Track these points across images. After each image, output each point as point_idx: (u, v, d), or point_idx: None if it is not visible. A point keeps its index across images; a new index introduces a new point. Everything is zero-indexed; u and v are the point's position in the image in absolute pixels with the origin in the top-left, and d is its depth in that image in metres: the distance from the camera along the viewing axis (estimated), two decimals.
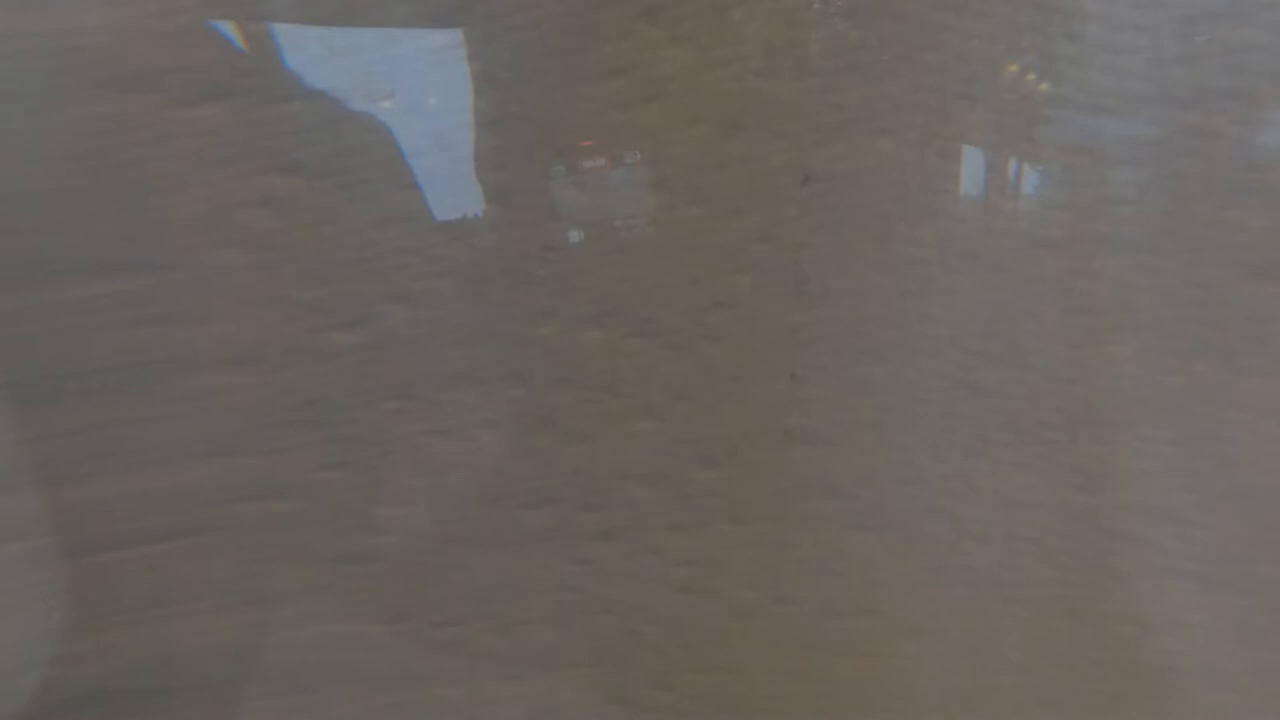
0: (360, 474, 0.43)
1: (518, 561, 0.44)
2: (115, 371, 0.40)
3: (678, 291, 0.42)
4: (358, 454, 0.42)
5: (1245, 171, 0.40)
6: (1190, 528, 0.44)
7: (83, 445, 0.41)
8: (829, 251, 0.42)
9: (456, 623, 0.45)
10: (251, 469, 0.42)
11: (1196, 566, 0.44)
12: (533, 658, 0.45)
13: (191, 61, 0.38)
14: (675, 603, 0.45)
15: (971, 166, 0.41)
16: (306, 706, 0.45)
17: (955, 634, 0.46)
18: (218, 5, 0.38)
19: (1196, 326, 0.42)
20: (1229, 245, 0.41)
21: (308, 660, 0.44)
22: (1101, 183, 0.41)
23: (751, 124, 0.41)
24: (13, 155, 0.38)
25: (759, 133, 0.41)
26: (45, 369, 0.40)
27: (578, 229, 0.41)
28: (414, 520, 0.44)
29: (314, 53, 0.39)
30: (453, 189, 0.41)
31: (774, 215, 0.42)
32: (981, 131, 0.41)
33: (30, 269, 0.39)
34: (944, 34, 0.41)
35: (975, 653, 0.46)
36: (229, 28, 0.38)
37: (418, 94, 0.40)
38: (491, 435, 0.43)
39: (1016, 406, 0.43)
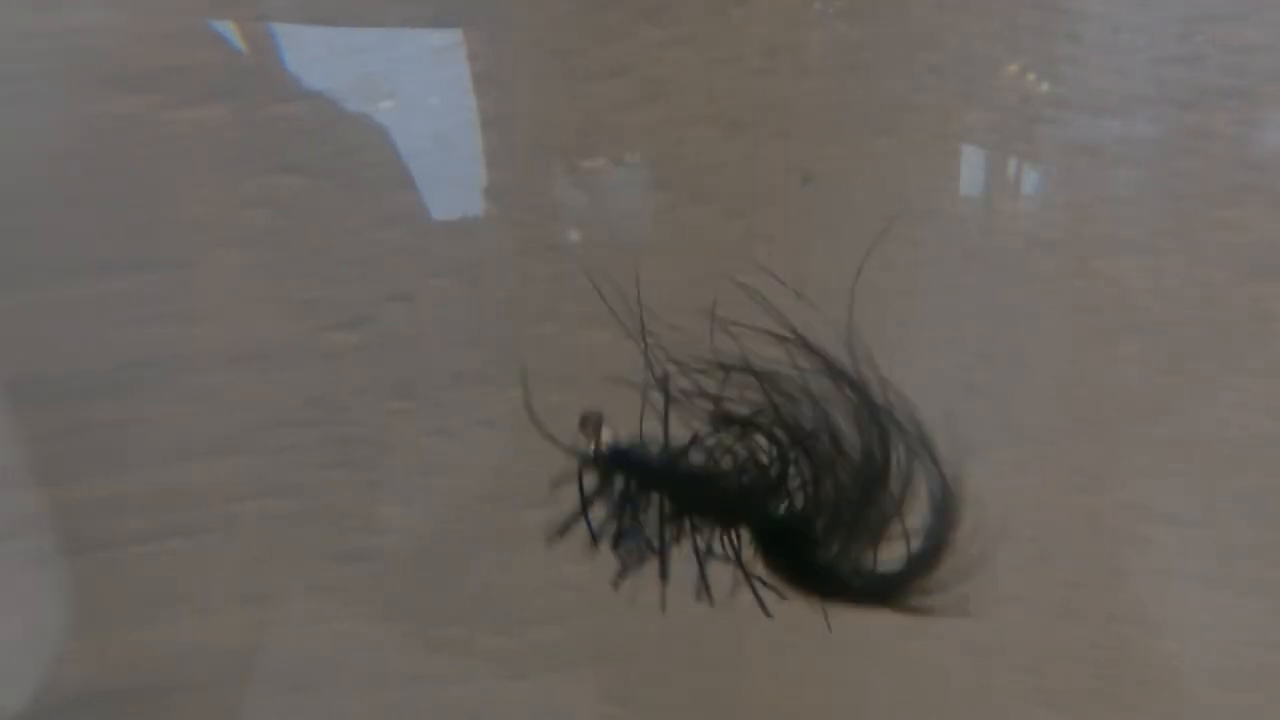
0: (361, 473, 0.43)
1: (518, 561, 0.44)
2: (115, 371, 0.40)
3: (678, 291, 0.42)
4: (358, 453, 0.42)
5: (1245, 171, 0.40)
6: (1190, 528, 0.44)
7: (83, 445, 0.41)
8: (829, 251, 0.42)
9: (456, 622, 0.45)
10: (252, 468, 0.42)
11: (1197, 566, 0.44)
12: (533, 657, 0.45)
13: (192, 61, 0.38)
14: (676, 602, 0.45)
15: (971, 166, 0.41)
16: (307, 705, 0.45)
17: (955, 634, 0.46)
18: (218, 5, 0.38)
19: (1196, 326, 0.42)
20: (1229, 245, 0.41)
21: (308, 659, 0.44)
22: (1101, 183, 0.41)
23: (751, 124, 0.41)
24: (14, 155, 0.38)
25: (759, 133, 0.41)
26: (46, 369, 0.40)
27: (578, 229, 0.41)
28: (414, 520, 0.44)
29: (314, 53, 0.39)
30: (453, 189, 0.41)
31: (774, 215, 0.42)
32: (981, 131, 0.41)
33: (30, 269, 0.39)
34: (945, 34, 0.41)
35: (976, 653, 0.46)
36: (229, 28, 0.38)
37: (418, 94, 0.40)
38: (492, 435, 0.43)
39: (1016, 406, 0.43)
